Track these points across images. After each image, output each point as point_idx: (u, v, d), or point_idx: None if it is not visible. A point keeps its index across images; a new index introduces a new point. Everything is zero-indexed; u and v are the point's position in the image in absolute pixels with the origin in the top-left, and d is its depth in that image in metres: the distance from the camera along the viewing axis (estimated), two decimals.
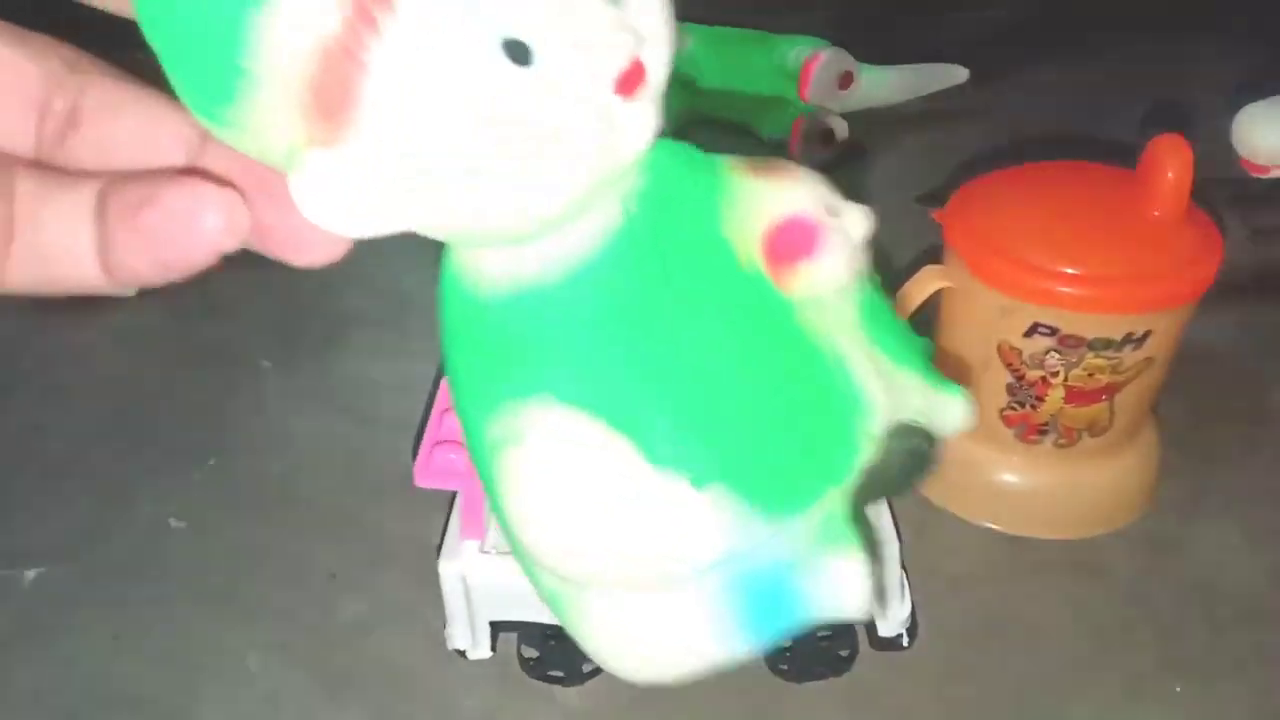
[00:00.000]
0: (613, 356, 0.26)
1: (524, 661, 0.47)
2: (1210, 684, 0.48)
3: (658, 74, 0.23)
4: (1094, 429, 0.52)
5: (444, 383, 0.47)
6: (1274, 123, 0.47)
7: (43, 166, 0.22)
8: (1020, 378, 0.51)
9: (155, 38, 0.20)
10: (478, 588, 0.44)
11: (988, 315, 0.50)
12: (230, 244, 0.21)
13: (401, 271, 0.76)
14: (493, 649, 0.47)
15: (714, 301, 0.27)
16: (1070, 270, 0.47)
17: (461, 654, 0.47)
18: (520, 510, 0.26)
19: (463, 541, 0.44)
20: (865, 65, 0.87)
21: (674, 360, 0.26)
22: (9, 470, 0.61)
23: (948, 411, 0.32)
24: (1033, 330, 0.49)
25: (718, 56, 0.88)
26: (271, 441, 0.63)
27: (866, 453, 0.29)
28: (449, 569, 0.44)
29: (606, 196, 0.24)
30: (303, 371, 0.69)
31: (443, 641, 0.48)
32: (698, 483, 0.26)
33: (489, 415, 0.26)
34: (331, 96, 0.20)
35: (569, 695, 0.47)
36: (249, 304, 0.75)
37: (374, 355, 0.69)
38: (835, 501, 0.29)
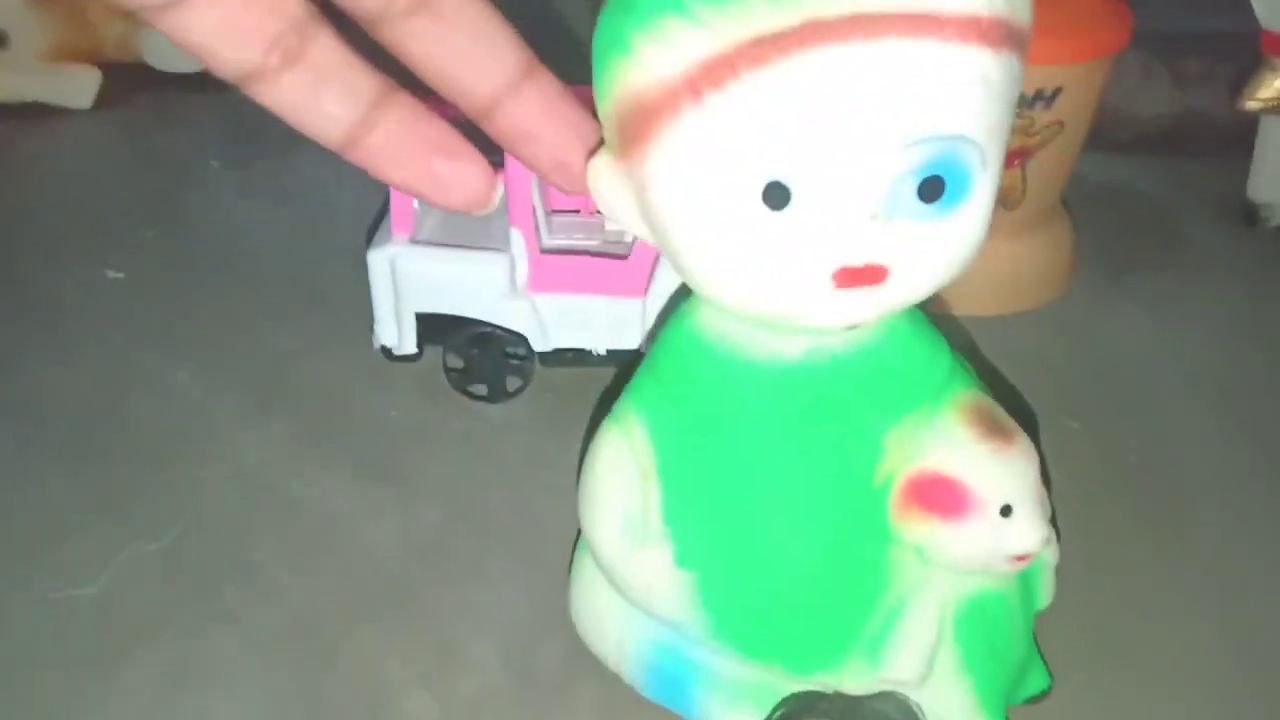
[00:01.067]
0: (710, 454, 0.30)
1: (449, 372, 0.49)
2: (1101, 423, 0.50)
3: (893, 293, 0.26)
4: (1008, 199, 0.55)
5: None
6: None
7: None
8: None
9: None
10: (404, 275, 0.46)
11: None
12: (475, 209, 0.26)
13: None
14: (418, 349, 0.48)
15: (826, 478, 0.30)
16: None
17: (388, 351, 0.48)
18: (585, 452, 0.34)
19: (392, 233, 0.46)
20: None
21: (748, 495, 0.30)
22: None
23: None
24: None
25: None
26: (219, 225, 0.64)
27: (847, 682, 0.32)
28: (377, 257, 0.46)
29: (801, 337, 0.29)
30: (255, 171, 0.70)
31: (371, 364, 0.50)
32: (680, 562, 0.31)
33: (625, 396, 0.33)
34: (634, 129, 0.25)
35: (494, 408, 0.49)
36: (201, 118, 0.76)
37: (327, 159, 0.71)
38: (780, 678, 0.32)
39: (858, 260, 0.25)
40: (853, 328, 0.28)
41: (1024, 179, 0.54)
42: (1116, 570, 0.43)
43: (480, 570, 0.41)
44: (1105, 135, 0.66)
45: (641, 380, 0.32)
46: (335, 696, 0.36)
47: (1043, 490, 0.31)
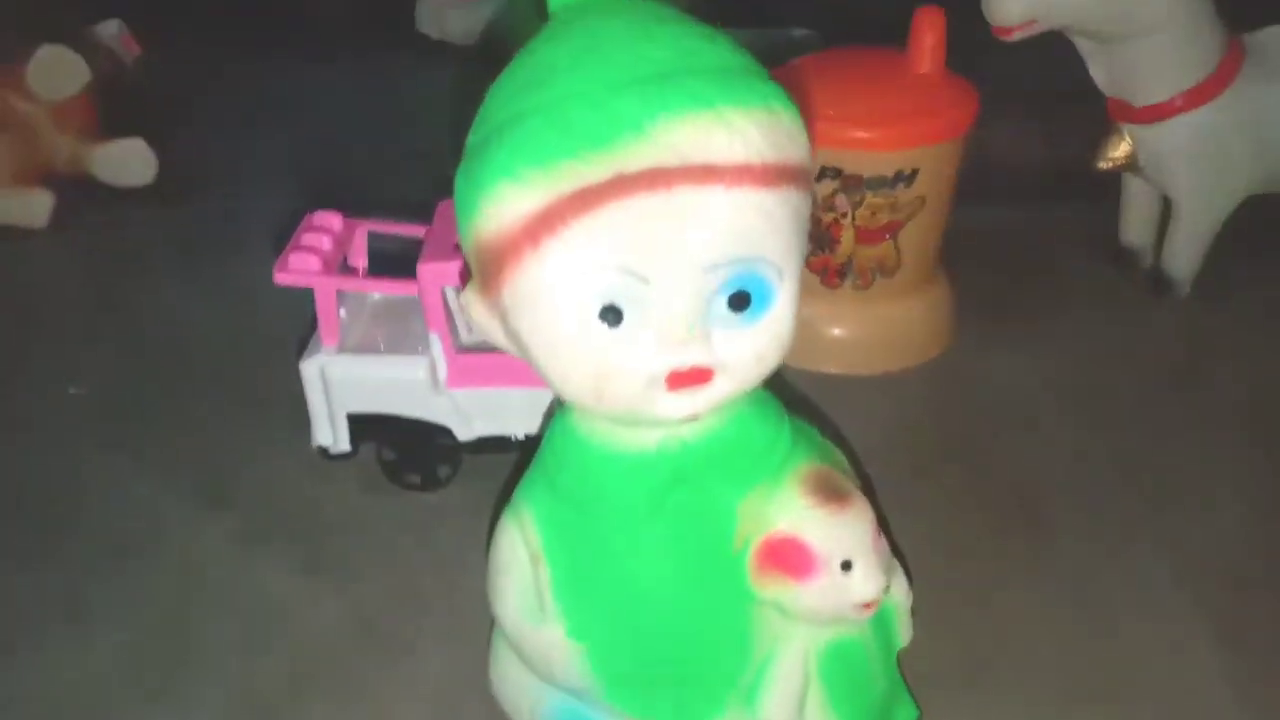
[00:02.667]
0: (588, 536, 0.35)
1: (384, 465, 0.53)
2: (977, 463, 0.56)
3: (720, 389, 0.32)
4: (884, 268, 0.60)
5: (311, 214, 0.53)
6: None
7: None
8: (817, 223, 0.59)
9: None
10: (334, 382, 0.50)
11: None
12: None
13: (291, 198, 0.83)
14: (353, 448, 0.53)
15: (690, 550, 0.35)
16: (845, 116, 0.55)
17: (325, 452, 0.53)
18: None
19: (321, 343, 0.51)
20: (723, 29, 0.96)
21: (623, 571, 0.35)
22: None
23: None
24: (821, 174, 0.57)
25: None
26: (170, 332, 0.68)
27: None
28: (308, 366, 0.50)
29: (654, 429, 0.34)
30: (200, 277, 0.74)
31: (310, 461, 0.54)
32: (571, 635, 0.36)
33: (519, 488, 0.37)
34: (490, 269, 0.30)
35: (427, 496, 0.54)
36: (150, 228, 0.81)
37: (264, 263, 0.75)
38: None
39: (684, 365, 0.30)
40: (694, 419, 0.33)
41: (897, 249, 0.59)
42: (986, 600, 0.48)
43: (413, 646, 0.46)
44: (983, 187, 0.72)
45: (531, 473, 0.37)
46: None
47: (881, 543, 0.36)
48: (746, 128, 0.29)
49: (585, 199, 0.29)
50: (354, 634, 0.46)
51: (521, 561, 0.36)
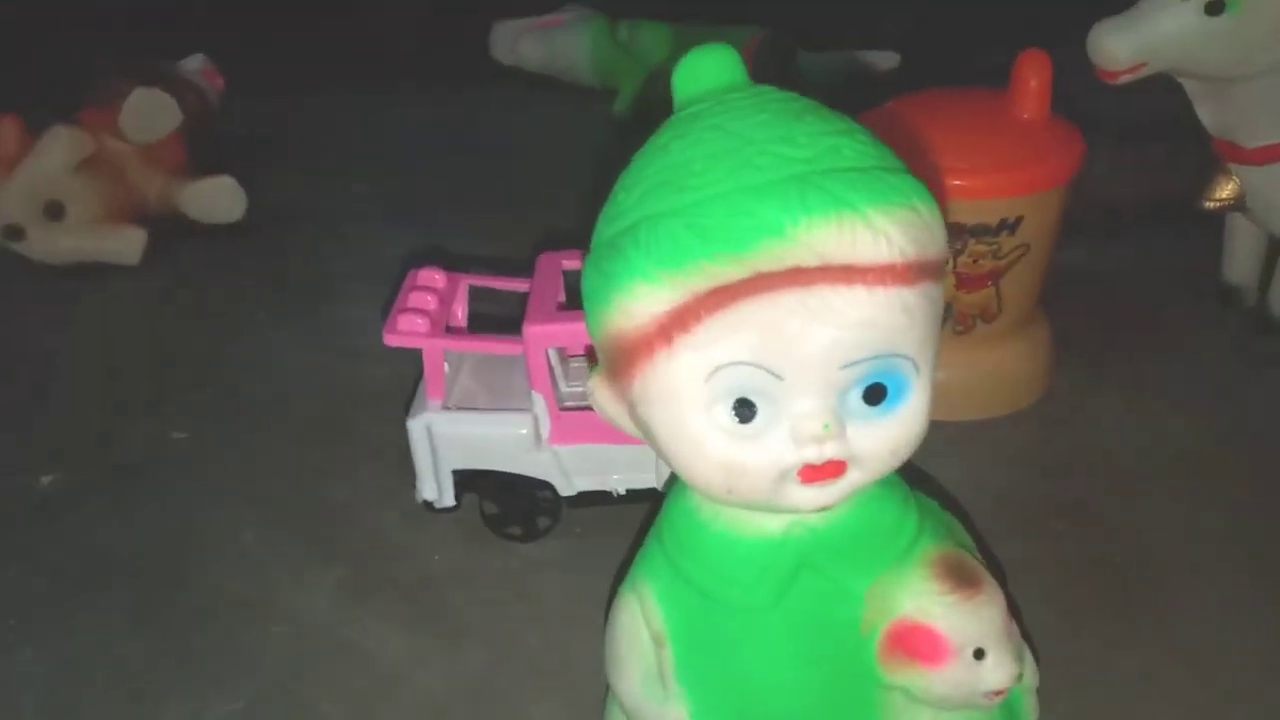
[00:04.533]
0: (712, 619, 0.35)
1: (486, 518, 0.54)
2: (1086, 521, 0.54)
3: (853, 480, 0.31)
4: (985, 314, 0.59)
5: (415, 271, 0.54)
6: (1118, 33, 0.55)
7: None
8: None
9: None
10: (440, 438, 0.51)
11: None
12: None
13: (380, 236, 0.84)
14: (456, 501, 0.53)
15: (815, 636, 0.34)
16: (948, 165, 0.55)
17: (430, 505, 0.53)
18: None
19: (427, 400, 0.51)
20: (804, 51, 0.96)
21: (749, 655, 0.35)
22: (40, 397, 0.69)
23: None
24: None
25: (670, 48, 0.96)
26: (268, 376, 0.70)
27: None
28: (415, 424, 0.51)
29: (781, 516, 0.33)
30: (296, 317, 0.75)
31: (415, 514, 0.55)
32: (695, 718, 0.35)
33: (637, 563, 0.37)
34: (621, 362, 0.30)
35: (528, 548, 0.54)
36: (241, 264, 0.82)
37: (362, 303, 0.76)
38: None
39: (818, 459, 0.30)
40: (826, 509, 0.33)
41: (998, 296, 0.58)
42: (1106, 671, 0.46)
43: (523, 710, 0.46)
44: (1082, 224, 0.71)
45: (650, 549, 0.37)
46: None
47: (1013, 627, 0.36)
48: (889, 228, 0.28)
49: (720, 297, 0.28)
50: (464, 698, 0.47)
51: (644, 640, 0.36)
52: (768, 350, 0.29)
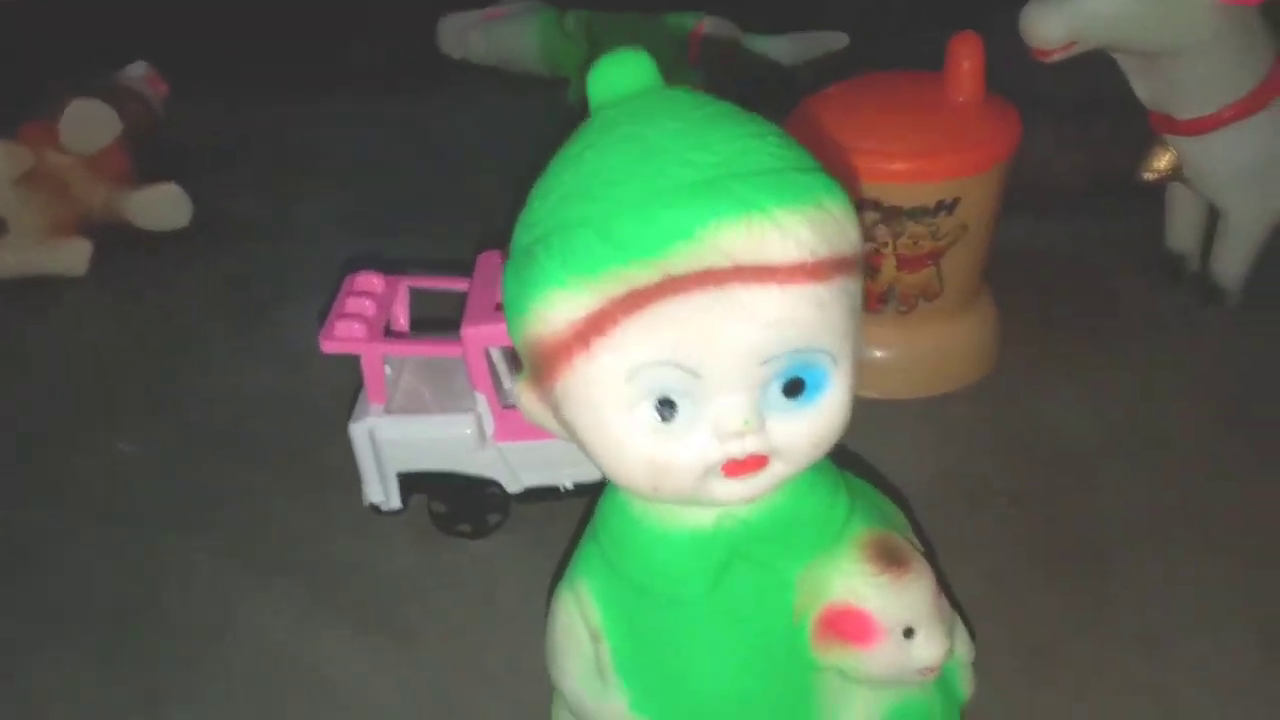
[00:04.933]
0: (647, 613, 0.35)
1: (434, 517, 0.54)
2: (1030, 494, 0.55)
3: (776, 472, 0.32)
4: (928, 294, 0.60)
5: (351, 274, 0.53)
6: (1050, 13, 0.55)
7: None
8: None
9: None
10: (383, 443, 0.51)
11: None
12: None
13: (329, 241, 0.83)
14: (403, 503, 0.53)
15: (748, 619, 0.35)
16: (884, 150, 0.55)
17: (376, 509, 0.53)
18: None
19: (369, 404, 0.51)
20: (750, 34, 0.95)
21: (684, 646, 0.35)
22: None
23: None
24: (861, 207, 0.56)
25: (614, 35, 0.96)
26: (216, 388, 0.69)
27: None
28: (358, 429, 0.51)
29: (710, 509, 0.33)
30: (244, 328, 0.74)
31: (363, 518, 0.54)
32: (635, 709, 0.36)
33: (574, 562, 0.37)
34: (542, 366, 0.30)
35: (478, 545, 0.54)
36: (188, 273, 0.81)
37: (308, 312, 0.75)
38: None
39: (740, 454, 0.30)
40: (751, 501, 0.33)
41: (939, 275, 0.59)
42: (1050, 650, 0.47)
43: (477, 710, 0.46)
44: (1023, 202, 0.71)
45: (586, 547, 0.37)
46: None
47: (943, 603, 0.36)
48: (798, 228, 0.28)
49: (635, 300, 0.28)
50: (418, 704, 0.47)
51: (580, 637, 0.36)
52: (684, 350, 0.29)
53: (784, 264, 0.28)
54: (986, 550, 0.52)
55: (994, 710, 0.42)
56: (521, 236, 0.31)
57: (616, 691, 0.36)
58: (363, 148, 0.99)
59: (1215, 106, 0.59)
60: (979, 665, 0.41)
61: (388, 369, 0.52)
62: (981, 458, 0.58)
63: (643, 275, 0.28)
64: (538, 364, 0.30)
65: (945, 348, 0.62)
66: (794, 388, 0.30)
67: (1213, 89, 0.59)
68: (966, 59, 0.56)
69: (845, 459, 0.40)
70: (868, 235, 0.57)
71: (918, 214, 0.56)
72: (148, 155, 0.90)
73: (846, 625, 0.34)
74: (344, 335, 0.49)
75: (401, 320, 0.55)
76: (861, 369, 0.61)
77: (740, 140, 0.29)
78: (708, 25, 0.91)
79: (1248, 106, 0.59)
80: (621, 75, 0.32)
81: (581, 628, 0.36)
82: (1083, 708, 0.44)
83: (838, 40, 1.00)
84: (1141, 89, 0.61)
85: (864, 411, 0.60)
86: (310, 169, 0.96)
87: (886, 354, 0.62)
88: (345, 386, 0.58)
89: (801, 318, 0.29)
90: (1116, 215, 0.75)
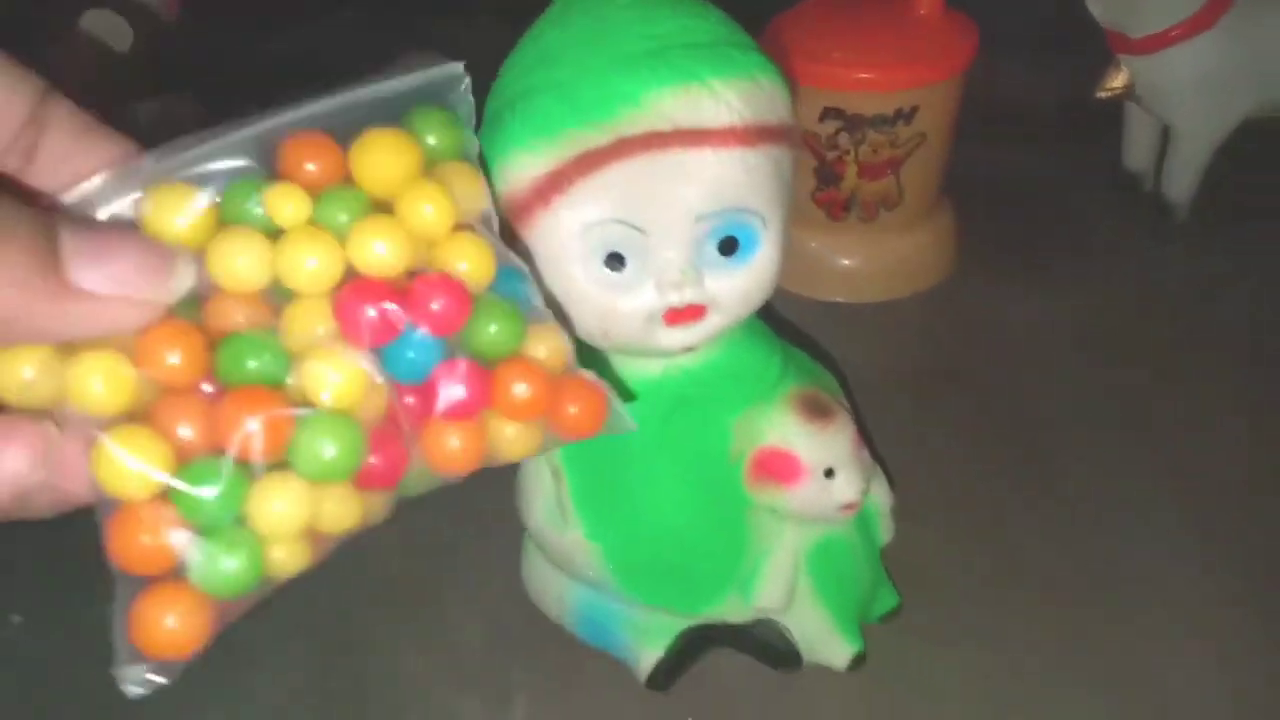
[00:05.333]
0: (602, 451, 0.39)
1: None
2: (976, 386, 0.60)
3: (713, 323, 0.36)
4: (887, 202, 0.64)
5: None
6: None
7: None
8: (822, 161, 0.62)
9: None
10: None
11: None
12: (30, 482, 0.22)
13: None
14: None
15: (691, 459, 0.39)
16: (847, 60, 0.58)
17: None
18: None
19: None
20: None
21: (633, 479, 0.40)
22: None
23: (830, 652, 0.43)
24: (825, 115, 0.60)
25: None
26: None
27: (730, 614, 0.42)
28: None
29: (657, 359, 0.38)
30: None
31: None
32: (589, 536, 0.40)
33: None
34: (513, 221, 0.34)
35: None
36: None
37: None
38: (677, 616, 0.43)
39: (680, 303, 0.35)
40: (691, 349, 0.37)
41: (899, 183, 0.63)
42: (979, 510, 0.52)
43: (470, 561, 0.51)
44: (991, 127, 0.75)
45: None
46: (351, 668, 0.47)
47: (863, 454, 0.41)
48: (730, 96, 0.33)
49: (588, 161, 0.33)
50: (416, 554, 0.52)
51: (544, 476, 0.41)
52: (630, 207, 0.33)
53: (717, 128, 0.33)
54: (923, 426, 0.56)
55: (912, 552, 0.47)
56: (492, 102, 0.35)
57: (574, 522, 0.41)
58: (365, 59, 1.03)
59: (1166, 24, 0.63)
60: (904, 517, 0.46)
61: None
62: (930, 351, 0.63)
63: (595, 137, 0.33)
64: (509, 220, 0.35)
65: (905, 253, 0.66)
66: (728, 246, 0.35)
67: (1163, 7, 0.62)
68: None
69: (803, 345, 0.45)
70: (830, 143, 0.61)
71: (877, 122, 0.60)
72: (158, 70, 0.93)
73: (776, 465, 0.39)
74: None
75: None
76: (826, 273, 0.67)
77: (684, 19, 0.34)
78: None
79: (1196, 24, 0.62)
80: None
81: (544, 467, 0.41)
82: (997, 553, 0.49)
83: None
84: (1095, 7, 0.65)
85: (826, 312, 0.66)
86: (305, 82, 1.00)
87: (850, 260, 0.66)
88: None
89: (732, 179, 0.33)
90: (1080, 139, 0.78)
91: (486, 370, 0.27)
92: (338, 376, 0.24)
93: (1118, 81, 0.67)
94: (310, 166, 0.26)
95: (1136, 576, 0.48)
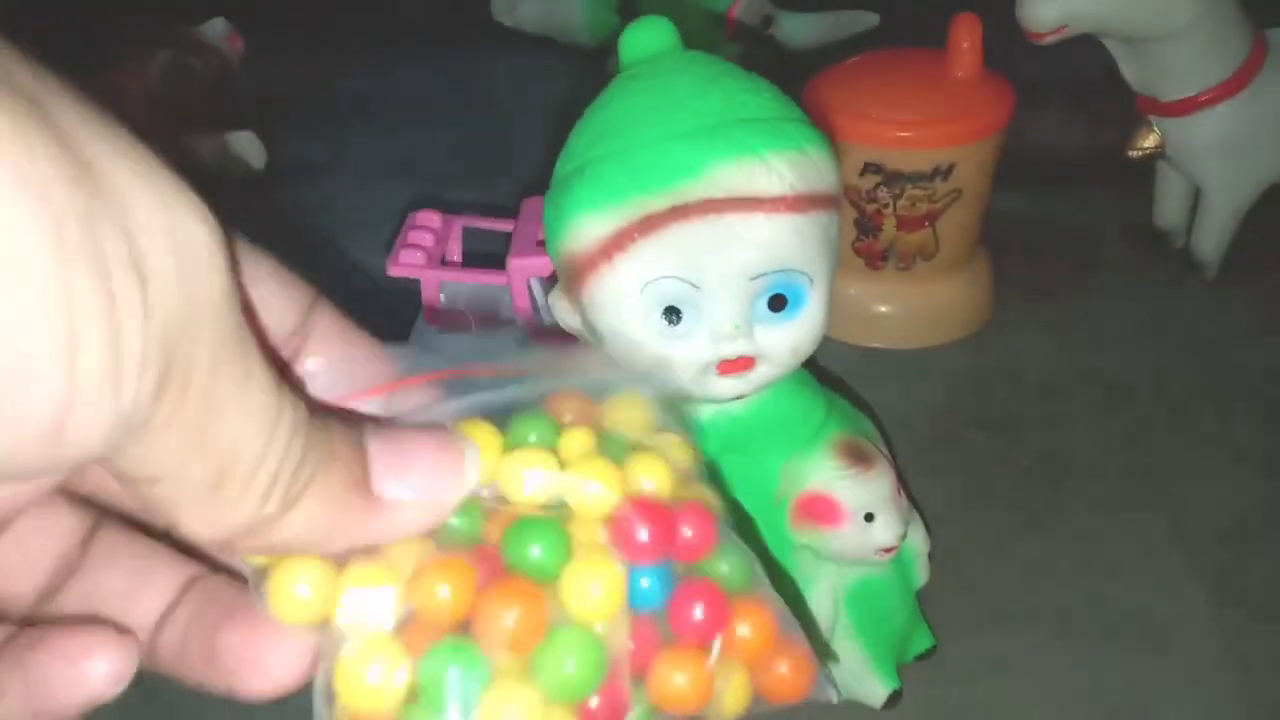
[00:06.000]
0: None
1: None
2: (1003, 432, 0.62)
3: (762, 373, 0.38)
4: (924, 253, 0.66)
5: (414, 212, 0.61)
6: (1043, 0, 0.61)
7: None
8: (861, 212, 0.65)
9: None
10: None
11: None
12: (113, 691, 0.20)
13: (387, 188, 0.91)
14: None
15: (738, 504, 0.41)
16: (887, 118, 0.61)
17: None
18: None
19: (424, 325, 0.59)
20: (785, 12, 1.01)
21: None
22: None
23: (867, 689, 0.44)
24: (865, 169, 0.63)
25: (654, 10, 1.02)
26: None
27: None
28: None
29: (708, 405, 0.40)
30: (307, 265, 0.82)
31: None
32: None
33: None
34: (574, 277, 0.37)
35: None
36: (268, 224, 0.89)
37: (365, 247, 0.83)
38: None
39: (732, 354, 0.37)
40: (741, 397, 0.40)
41: (935, 236, 0.65)
42: (1001, 550, 0.54)
43: None
44: (1026, 174, 0.77)
45: None
46: None
47: (901, 499, 0.43)
48: (782, 167, 0.35)
49: (650, 224, 0.36)
50: None
51: None
52: (688, 266, 0.36)
53: (769, 196, 0.36)
54: (955, 471, 0.59)
55: (948, 597, 0.49)
56: (560, 169, 0.38)
57: None
58: (418, 102, 1.07)
59: (1196, 89, 0.65)
60: (935, 559, 0.48)
61: (443, 298, 0.60)
62: (964, 397, 0.65)
63: (656, 203, 0.35)
64: (570, 276, 0.38)
65: (941, 302, 0.68)
66: (777, 303, 0.38)
67: (1194, 73, 0.64)
68: (966, 38, 0.62)
69: (842, 391, 0.48)
70: (870, 197, 0.64)
71: (916, 178, 0.62)
72: (224, 106, 0.98)
73: (818, 509, 0.41)
74: (407, 262, 0.57)
75: (456, 254, 0.62)
76: (865, 320, 0.69)
77: (740, 94, 0.37)
78: (743, 2, 0.97)
79: (1227, 89, 0.65)
80: (647, 38, 0.40)
81: None
82: (1023, 594, 0.51)
83: (869, 20, 1.05)
84: (1128, 72, 0.67)
85: (864, 357, 0.68)
86: (368, 121, 1.04)
87: (888, 307, 0.69)
88: (400, 311, 0.65)
89: (783, 242, 0.36)
90: (1112, 190, 0.81)
91: (724, 595, 0.24)
92: (600, 591, 0.23)
93: (1149, 141, 0.69)
94: (569, 417, 0.25)
95: (1154, 625, 0.50)
